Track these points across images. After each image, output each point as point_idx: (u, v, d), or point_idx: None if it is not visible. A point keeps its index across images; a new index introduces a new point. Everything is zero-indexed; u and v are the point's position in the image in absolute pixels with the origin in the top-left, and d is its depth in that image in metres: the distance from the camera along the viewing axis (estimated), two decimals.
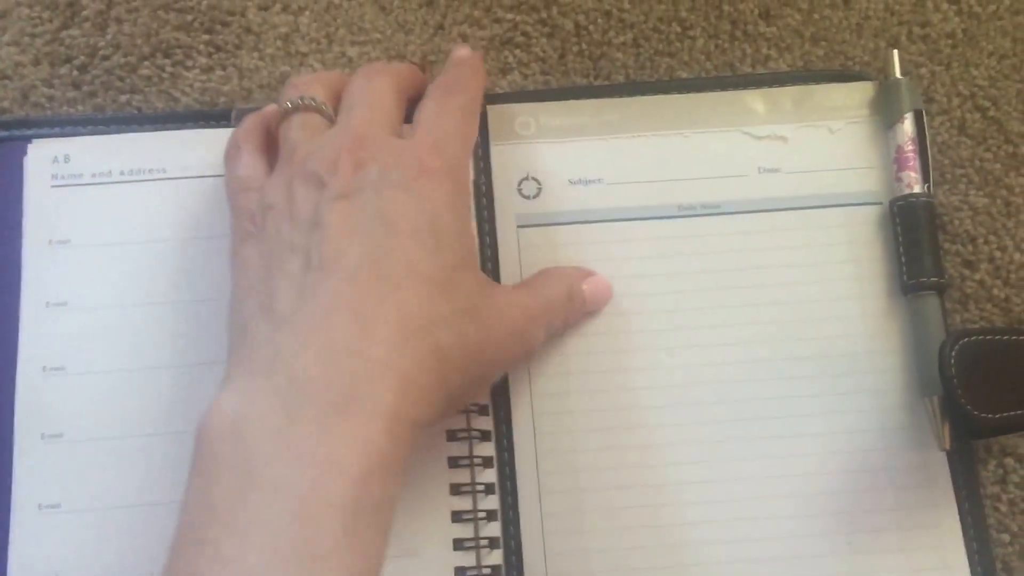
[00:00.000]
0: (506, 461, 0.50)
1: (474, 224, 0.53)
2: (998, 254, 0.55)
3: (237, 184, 0.47)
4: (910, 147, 0.53)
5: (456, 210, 0.45)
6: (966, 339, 0.47)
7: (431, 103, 0.48)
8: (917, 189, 0.53)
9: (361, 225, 0.42)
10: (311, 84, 0.48)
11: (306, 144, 0.45)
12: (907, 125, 0.54)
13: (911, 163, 0.53)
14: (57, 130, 0.53)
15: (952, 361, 0.47)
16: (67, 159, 0.51)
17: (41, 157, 0.51)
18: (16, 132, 0.52)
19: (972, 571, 0.49)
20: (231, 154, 0.48)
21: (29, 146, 0.52)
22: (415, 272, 0.42)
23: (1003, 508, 0.52)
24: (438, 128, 0.46)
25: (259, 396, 0.38)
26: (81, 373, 0.49)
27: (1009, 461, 0.52)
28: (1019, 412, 0.47)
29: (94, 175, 0.51)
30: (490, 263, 0.52)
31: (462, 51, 0.53)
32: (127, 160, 0.51)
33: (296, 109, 0.47)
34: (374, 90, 0.47)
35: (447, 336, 0.42)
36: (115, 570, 0.47)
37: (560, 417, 0.51)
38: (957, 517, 0.50)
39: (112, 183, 0.51)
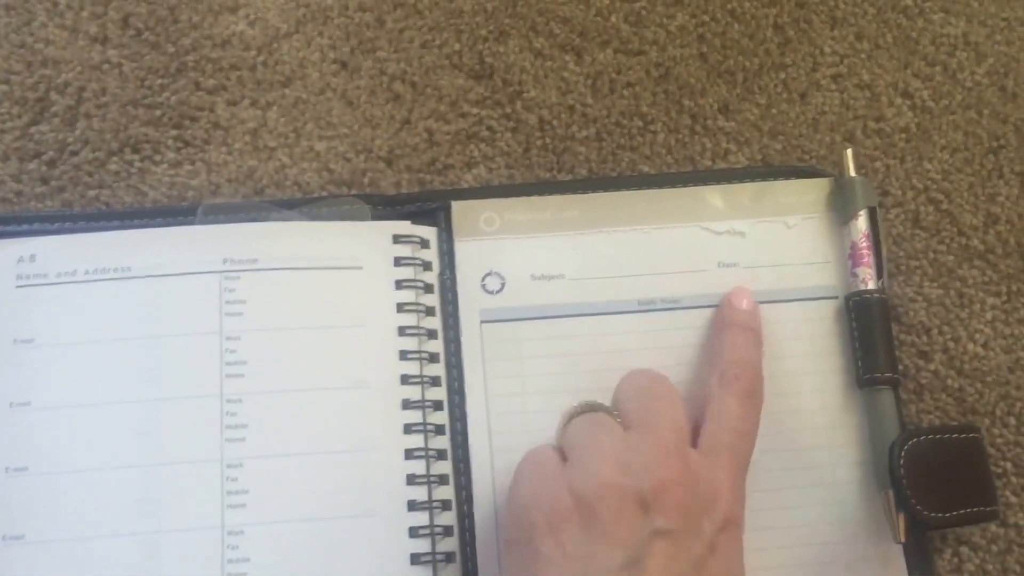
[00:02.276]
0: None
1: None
2: (952, 345, 0.57)
3: (537, 470, 0.46)
4: (864, 243, 0.55)
5: (739, 559, 0.46)
6: (914, 440, 0.48)
7: (726, 402, 0.49)
8: (871, 285, 0.54)
9: None
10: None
11: (615, 450, 0.45)
12: (861, 221, 0.55)
13: (865, 259, 0.55)
14: (25, 227, 0.53)
15: (901, 462, 0.48)
16: (32, 258, 0.52)
17: (6, 257, 0.52)
18: None
19: None
20: (533, 452, 0.47)
21: None
22: None
23: None
24: (738, 449, 0.48)
25: None
26: (44, 473, 0.49)
27: (964, 550, 0.53)
28: (968, 510, 0.48)
29: (59, 274, 0.52)
30: (453, 357, 0.53)
31: (740, 306, 0.54)
32: (93, 259, 0.52)
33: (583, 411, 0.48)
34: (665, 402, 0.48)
35: None
36: None
37: None
38: None
39: (77, 282, 0.52)
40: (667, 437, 0.45)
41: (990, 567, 0.53)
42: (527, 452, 0.47)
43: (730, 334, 0.52)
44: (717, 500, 0.45)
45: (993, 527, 0.54)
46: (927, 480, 0.48)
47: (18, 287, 0.51)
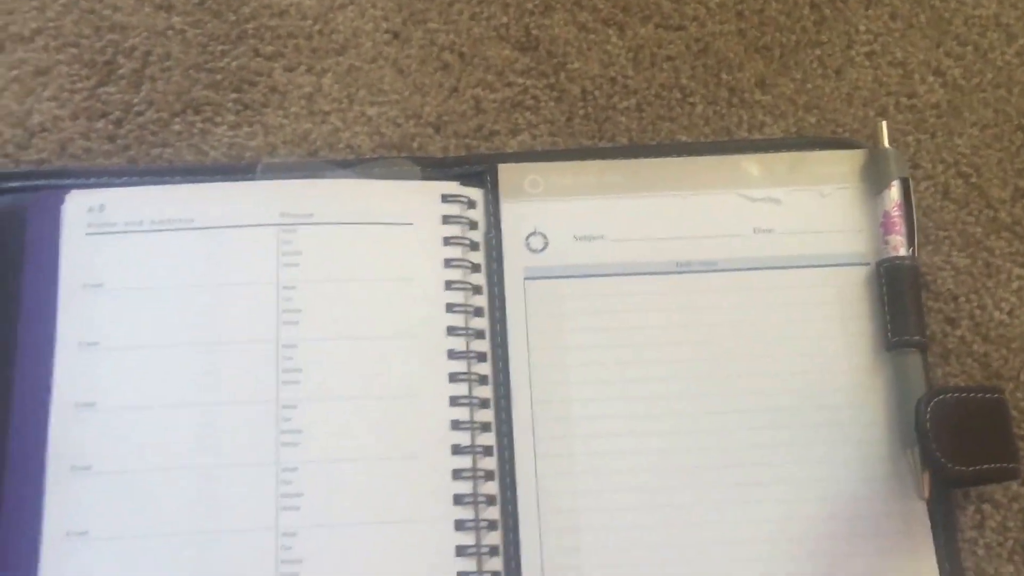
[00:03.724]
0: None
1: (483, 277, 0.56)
2: (978, 312, 0.58)
3: None
4: (896, 212, 0.57)
5: None
6: (940, 396, 0.50)
7: None
8: (902, 252, 0.56)
9: None
10: None
11: None
12: (894, 192, 0.57)
13: (897, 227, 0.57)
14: (93, 180, 0.56)
15: (927, 417, 0.50)
16: (102, 208, 0.54)
17: (78, 206, 0.55)
18: (55, 182, 0.56)
19: None
20: None
21: (67, 195, 0.55)
22: None
23: (980, 552, 0.54)
24: None
25: None
26: (110, 409, 0.51)
27: (987, 507, 0.55)
28: (991, 466, 0.50)
29: (127, 224, 0.54)
30: (498, 312, 0.55)
31: None
32: (158, 210, 0.55)
33: None
34: None
35: None
36: None
37: (559, 459, 0.53)
38: (935, 563, 0.53)
39: (143, 231, 0.54)
40: None
41: (1011, 524, 0.55)
42: None
43: None
44: None
45: (1015, 486, 0.55)
46: (952, 436, 0.50)
47: (88, 234, 0.54)
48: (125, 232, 0.54)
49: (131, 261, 0.54)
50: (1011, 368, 0.58)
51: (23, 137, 0.59)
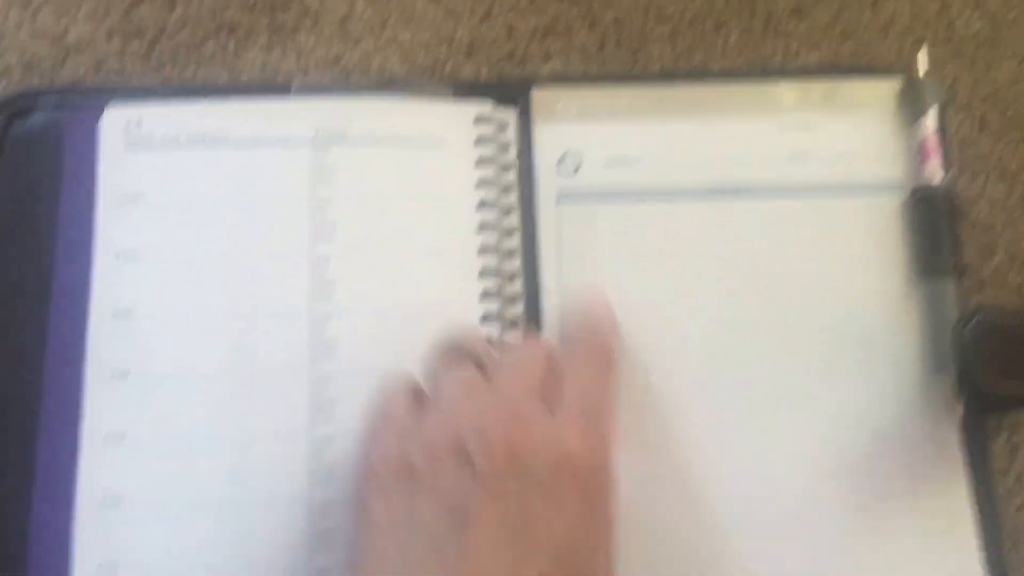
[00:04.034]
0: None
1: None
2: (1014, 243, 0.58)
3: (383, 424, 0.48)
4: (932, 140, 0.56)
5: (597, 524, 0.44)
6: (981, 315, 0.50)
7: (580, 378, 0.48)
8: (938, 179, 0.56)
9: (502, 535, 0.41)
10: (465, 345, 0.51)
11: (459, 403, 0.46)
12: (930, 120, 0.57)
13: (933, 155, 0.56)
14: (129, 97, 0.56)
15: (967, 335, 0.49)
16: (139, 124, 0.55)
17: (116, 121, 0.55)
18: (92, 98, 0.56)
19: (980, 538, 0.52)
20: (387, 395, 0.49)
21: (105, 110, 0.55)
22: None
23: (1011, 481, 0.54)
24: (589, 411, 0.47)
25: None
26: (147, 317, 0.52)
27: (1019, 435, 0.55)
28: None
29: (164, 139, 0.55)
30: (529, 233, 0.55)
31: (596, 310, 0.53)
32: (194, 126, 0.55)
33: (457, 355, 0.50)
34: (528, 356, 0.49)
35: None
36: (174, 565, 0.50)
37: None
38: (967, 487, 0.53)
39: (180, 147, 0.55)
40: (514, 389, 0.46)
41: None
42: (381, 399, 0.49)
43: (589, 321, 0.53)
44: (558, 445, 0.44)
45: None
46: (991, 356, 0.50)
47: (126, 149, 0.54)
48: (162, 147, 0.55)
49: (168, 175, 0.54)
50: None
51: (59, 56, 0.59)
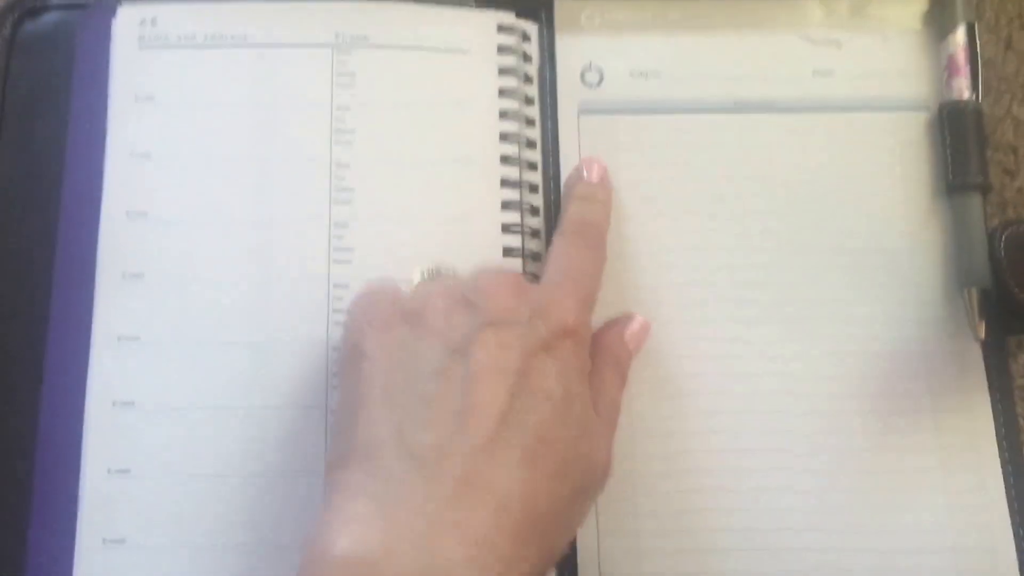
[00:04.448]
0: None
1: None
2: None
3: (370, 290, 0.47)
4: (961, 56, 0.56)
5: (584, 378, 0.45)
6: (1014, 227, 0.49)
7: (565, 250, 0.49)
8: (966, 96, 0.55)
9: (506, 377, 0.41)
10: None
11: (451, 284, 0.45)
12: (959, 36, 0.56)
13: (961, 71, 0.55)
14: None
15: (1002, 246, 0.49)
16: (154, 22, 0.53)
17: (130, 19, 0.54)
18: None
19: (1000, 456, 0.51)
20: (367, 287, 0.48)
21: (119, 8, 0.54)
22: (550, 447, 0.41)
23: None
24: (579, 282, 0.47)
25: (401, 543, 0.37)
26: (161, 220, 0.51)
27: None
28: None
29: (179, 38, 0.53)
30: (551, 144, 0.54)
31: (591, 178, 0.53)
32: (211, 26, 0.54)
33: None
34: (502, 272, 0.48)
35: (566, 522, 0.43)
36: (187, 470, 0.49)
37: (607, 292, 0.53)
38: (989, 405, 0.52)
39: (196, 47, 0.53)
40: (502, 275, 0.45)
41: None
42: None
43: (576, 204, 0.51)
44: (553, 308, 0.44)
45: None
46: (1022, 267, 0.49)
47: (140, 48, 0.53)
48: (178, 47, 0.53)
49: (183, 76, 0.53)
50: None
51: None
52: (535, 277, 0.52)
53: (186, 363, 0.49)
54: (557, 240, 0.50)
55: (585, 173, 0.52)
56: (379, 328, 0.44)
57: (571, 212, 0.51)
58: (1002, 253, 0.49)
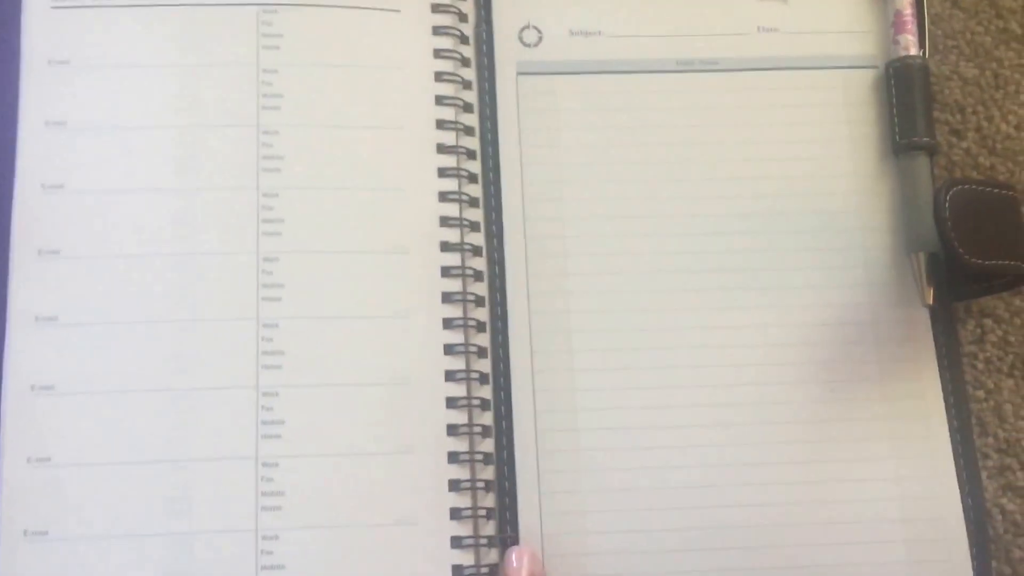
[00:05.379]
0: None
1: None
2: (985, 124, 0.56)
3: None
4: (908, 11, 0.54)
5: None
6: (959, 187, 0.48)
7: None
8: (913, 52, 0.54)
9: None
10: None
11: None
12: None
13: (908, 27, 0.54)
14: None
15: (946, 205, 0.48)
16: None
17: None
18: None
19: (949, 423, 0.51)
20: None
21: None
22: None
23: (980, 366, 0.53)
24: None
25: None
26: (80, 192, 0.49)
27: (987, 322, 0.54)
28: (1006, 261, 0.48)
29: None
30: (488, 108, 0.52)
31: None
32: None
33: None
34: None
35: None
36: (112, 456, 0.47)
37: (550, 260, 0.51)
38: (936, 371, 0.51)
39: (114, 6, 0.51)
40: None
41: (1012, 339, 0.54)
42: None
43: None
44: None
45: (1017, 300, 0.54)
46: (967, 228, 0.48)
47: (54, 7, 0.50)
48: (94, 7, 0.51)
49: (100, 38, 0.51)
50: (1017, 182, 0.56)
51: None
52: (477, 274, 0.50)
53: (108, 344, 0.47)
54: None
55: (515, 562, 0.48)
56: None
57: None
58: (947, 213, 0.47)
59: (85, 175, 0.49)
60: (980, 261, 0.48)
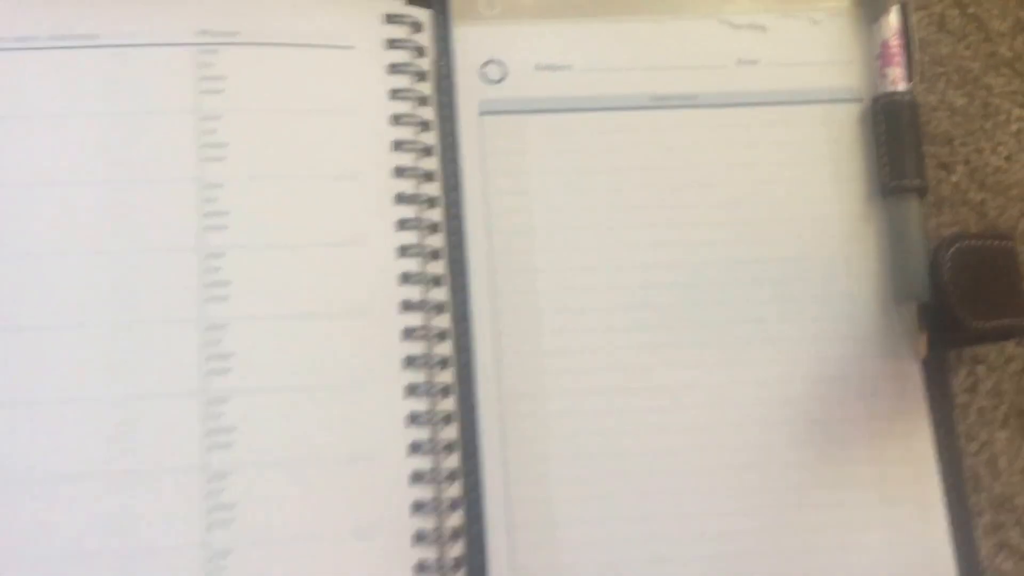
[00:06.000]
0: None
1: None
2: (975, 156, 0.54)
3: None
4: (896, 41, 0.51)
5: None
6: (959, 244, 0.45)
7: None
8: (902, 87, 0.51)
9: None
10: None
11: None
12: (893, 18, 0.51)
13: (896, 59, 0.51)
14: None
15: (947, 266, 0.44)
16: None
17: None
18: None
19: (943, 482, 0.48)
20: None
21: None
22: None
23: (972, 417, 0.50)
24: None
25: None
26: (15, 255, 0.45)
27: (980, 369, 0.51)
28: (1010, 321, 0.45)
29: (18, 40, 0.47)
30: (450, 151, 0.49)
31: None
32: (55, 24, 0.47)
33: None
34: None
35: None
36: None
37: (520, 315, 0.48)
38: (928, 427, 0.49)
39: (37, 48, 0.47)
40: None
41: (1005, 387, 0.51)
42: None
43: None
44: None
45: (1010, 347, 0.51)
46: (967, 287, 0.45)
47: None
48: (15, 49, 0.46)
49: (23, 84, 0.46)
50: (1009, 217, 0.53)
51: None
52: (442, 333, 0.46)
53: (38, 352, 0.44)
54: None
55: None
56: None
57: None
58: (945, 277, 0.44)
59: (15, 230, 0.45)
60: (983, 323, 0.44)
